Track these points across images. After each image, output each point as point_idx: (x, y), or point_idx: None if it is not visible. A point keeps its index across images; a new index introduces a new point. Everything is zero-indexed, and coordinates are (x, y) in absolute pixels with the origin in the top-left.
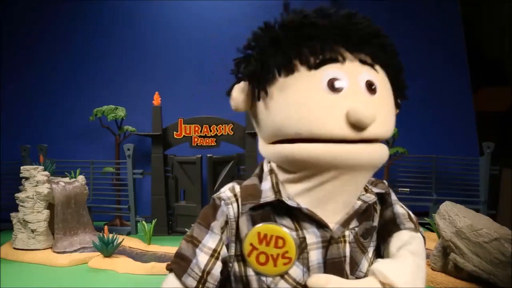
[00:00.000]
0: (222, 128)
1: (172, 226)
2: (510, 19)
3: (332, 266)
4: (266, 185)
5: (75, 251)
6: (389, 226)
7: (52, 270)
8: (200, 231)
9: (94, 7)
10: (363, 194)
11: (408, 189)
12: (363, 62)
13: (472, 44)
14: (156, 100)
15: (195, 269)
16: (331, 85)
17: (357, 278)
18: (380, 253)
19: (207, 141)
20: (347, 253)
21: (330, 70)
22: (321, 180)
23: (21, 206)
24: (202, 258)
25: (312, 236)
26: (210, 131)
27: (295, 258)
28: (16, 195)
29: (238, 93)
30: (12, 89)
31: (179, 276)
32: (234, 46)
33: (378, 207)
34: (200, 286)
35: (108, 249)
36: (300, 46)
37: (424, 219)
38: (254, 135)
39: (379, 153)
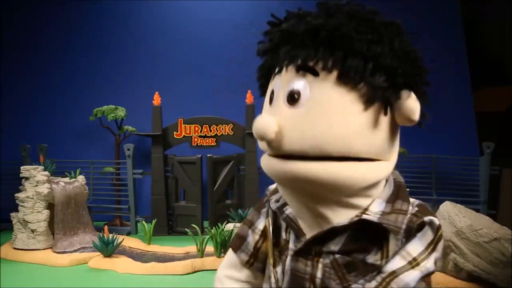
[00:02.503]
0: (222, 128)
1: (172, 226)
2: (510, 19)
3: (295, 278)
4: None
5: (75, 251)
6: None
7: (52, 270)
8: (254, 215)
9: (95, 7)
10: (357, 216)
11: (408, 190)
12: (298, 68)
13: (472, 44)
14: (156, 100)
15: (248, 246)
16: (270, 97)
17: None
18: None
19: (207, 141)
20: (318, 275)
21: (275, 81)
22: (286, 192)
23: (21, 206)
24: (253, 237)
25: (292, 242)
26: (210, 131)
27: (271, 255)
28: (16, 195)
29: None
30: (12, 89)
31: (235, 251)
32: (234, 46)
33: (389, 243)
34: (252, 260)
35: (108, 249)
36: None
37: None
38: (253, 135)
39: (310, 171)
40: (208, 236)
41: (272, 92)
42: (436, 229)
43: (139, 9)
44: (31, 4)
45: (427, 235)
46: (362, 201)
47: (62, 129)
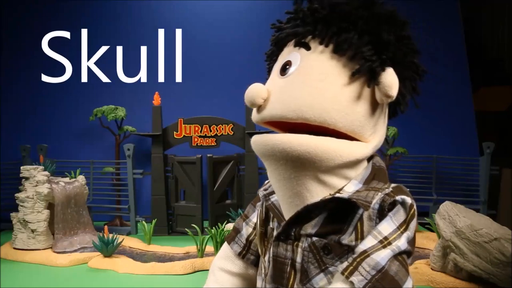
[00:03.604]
0: (222, 128)
1: (172, 226)
2: (510, 19)
3: (276, 263)
4: None
5: (75, 251)
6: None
7: (52, 270)
8: (249, 209)
9: (95, 6)
10: (330, 195)
11: (407, 188)
12: (295, 44)
13: (472, 44)
14: (156, 100)
15: (241, 238)
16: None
17: None
18: None
19: (207, 141)
20: (298, 259)
21: (278, 59)
22: (268, 172)
23: (21, 206)
24: (246, 230)
25: (275, 229)
26: (210, 131)
27: (260, 245)
28: (16, 195)
29: None
30: (12, 89)
31: (229, 243)
32: (234, 46)
33: (363, 223)
34: (244, 252)
35: (108, 249)
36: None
37: (424, 219)
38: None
39: (286, 142)
40: (208, 236)
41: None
42: (409, 208)
43: (139, 8)
44: (31, 3)
45: (399, 214)
46: (338, 182)
47: (62, 129)
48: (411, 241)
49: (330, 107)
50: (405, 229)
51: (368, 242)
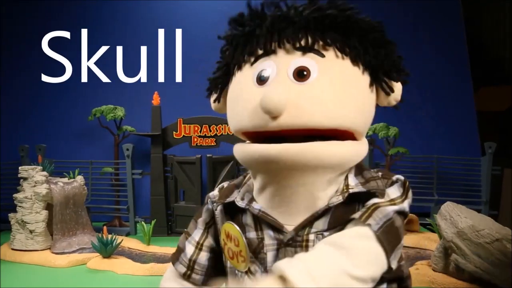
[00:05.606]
0: (222, 128)
1: (171, 227)
2: (510, 19)
3: None
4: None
5: (73, 252)
6: None
7: (51, 271)
8: (192, 226)
9: (94, 6)
10: (337, 195)
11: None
12: (300, 49)
13: (473, 44)
14: (156, 100)
15: (184, 258)
16: (259, 78)
17: None
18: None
19: (207, 141)
20: None
21: (262, 64)
22: (268, 180)
23: (20, 206)
24: (189, 249)
25: (268, 237)
26: (210, 131)
27: (247, 258)
28: (14, 195)
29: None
30: (12, 89)
31: (173, 263)
32: None
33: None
34: (189, 272)
35: (107, 250)
36: (241, 44)
37: (425, 219)
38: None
39: (307, 153)
40: None
41: (261, 71)
42: (404, 183)
43: (139, 8)
44: (31, 3)
45: (399, 189)
46: (340, 178)
47: (61, 129)
48: (409, 208)
49: (357, 115)
50: (406, 198)
51: (378, 200)
